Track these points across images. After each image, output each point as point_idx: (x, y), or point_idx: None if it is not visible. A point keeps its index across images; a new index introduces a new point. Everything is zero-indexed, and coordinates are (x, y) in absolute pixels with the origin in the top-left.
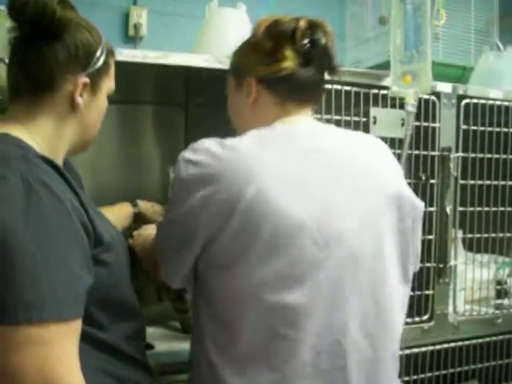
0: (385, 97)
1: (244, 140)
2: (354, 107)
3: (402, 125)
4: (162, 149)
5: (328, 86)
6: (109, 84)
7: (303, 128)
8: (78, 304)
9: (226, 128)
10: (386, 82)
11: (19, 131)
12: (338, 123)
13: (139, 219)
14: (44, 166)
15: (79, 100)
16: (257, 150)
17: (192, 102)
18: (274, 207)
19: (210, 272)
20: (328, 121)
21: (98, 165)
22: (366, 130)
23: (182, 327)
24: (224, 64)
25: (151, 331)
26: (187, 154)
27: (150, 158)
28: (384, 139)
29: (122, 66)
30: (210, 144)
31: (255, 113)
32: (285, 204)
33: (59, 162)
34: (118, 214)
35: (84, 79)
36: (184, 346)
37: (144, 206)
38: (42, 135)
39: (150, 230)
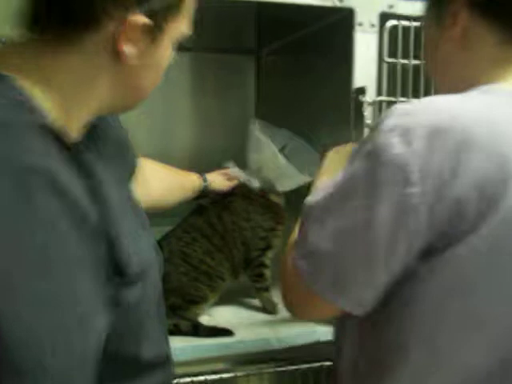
0: None
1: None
2: None
3: None
4: (231, 102)
5: None
6: (179, 28)
7: None
8: (88, 369)
9: (303, 78)
10: None
11: (26, 78)
12: None
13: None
14: (42, 141)
15: (125, 48)
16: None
17: (265, 50)
18: None
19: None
20: None
21: (164, 121)
22: None
23: (263, 307)
24: None
25: (229, 312)
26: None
27: (221, 113)
28: None
29: None
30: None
31: (463, 58)
32: None
33: (74, 126)
34: (180, 183)
35: (138, 18)
36: (268, 332)
37: (215, 181)
38: (58, 89)
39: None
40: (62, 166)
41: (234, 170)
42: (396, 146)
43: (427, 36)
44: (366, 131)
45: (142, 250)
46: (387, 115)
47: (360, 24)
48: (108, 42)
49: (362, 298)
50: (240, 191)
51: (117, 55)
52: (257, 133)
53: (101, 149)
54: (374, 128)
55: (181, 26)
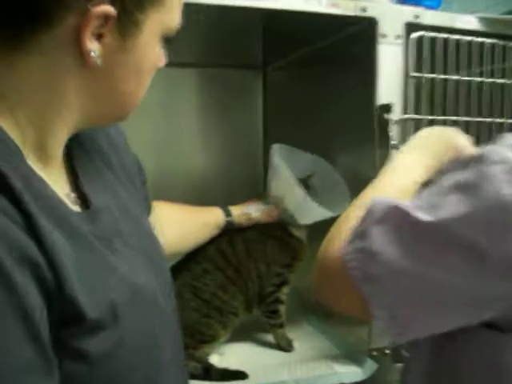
0: None
1: None
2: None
3: None
4: (238, 119)
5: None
6: (163, 20)
7: None
8: None
9: (317, 94)
10: None
11: None
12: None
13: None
14: None
15: (90, 46)
16: None
17: (271, 65)
18: None
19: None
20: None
21: (170, 139)
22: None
23: (277, 343)
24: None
25: (241, 350)
26: None
27: (227, 130)
28: None
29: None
30: None
31: None
32: None
33: (54, 147)
34: (203, 221)
35: (104, 8)
36: (285, 373)
37: (239, 215)
38: (24, 104)
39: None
40: None
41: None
42: None
43: None
44: (392, 152)
45: (114, 286)
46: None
47: (383, 35)
48: (70, 40)
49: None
50: (260, 229)
51: (82, 55)
52: (276, 159)
53: (99, 168)
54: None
55: (165, 18)
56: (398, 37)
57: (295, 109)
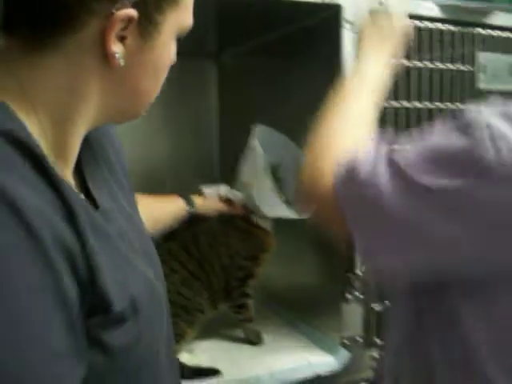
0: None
1: None
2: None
3: None
4: (193, 108)
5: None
6: (179, 20)
7: None
8: None
9: (277, 83)
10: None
11: (3, 96)
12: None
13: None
14: (15, 160)
15: (114, 48)
16: None
17: (227, 53)
18: None
19: None
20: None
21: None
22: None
23: (247, 337)
24: None
25: (210, 346)
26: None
27: (186, 120)
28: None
29: None
30: None
31: None
32: None
33: (73, 145)
34: (164, 209)
35: (127, 11)
36: (258, 367)
37: (203, 204)
38: (46, 104)
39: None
40: (28, 186)
41: (209, 192)
42: None
43: None
44: None
45: (133, 282)
46: None
47: (349, 22)
48: (93, 43)
49: None
50: (223, 219)
51: (105, 57)
52: (254, 142)
53: (101, 167)
54: None
55: (181, 18)
56: None
57: (254, 99)
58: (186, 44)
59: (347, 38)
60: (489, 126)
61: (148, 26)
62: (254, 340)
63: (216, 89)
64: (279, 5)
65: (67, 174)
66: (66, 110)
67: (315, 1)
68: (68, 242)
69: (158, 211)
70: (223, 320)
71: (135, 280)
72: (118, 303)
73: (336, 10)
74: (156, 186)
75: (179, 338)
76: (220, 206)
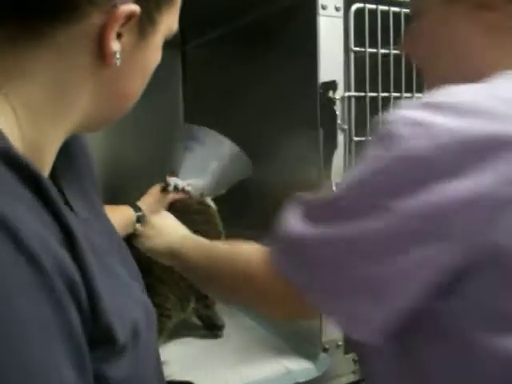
0: None
1: None
2: None
3: None
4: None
5: None
6: (170, 20)
7: None
8: None
9: (246, 73)
10: None
11: None
12: None
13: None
14: (11, 180)
15: (114, 46)
16: None
17: (190, 43)
18: None
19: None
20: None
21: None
22: None
23: (203, 324)
24: None
25: (183, 354)
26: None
27: (148, 115)
28: None
29: None
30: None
31: (490, 41)
32: None
33: (50, 151)
34: (119, 219)
35: (130, 6)
36: (233, 376)
37: (149, 205)
38: (27, 102)
39: (168, 220)
40: (26, 208)
41: (172, 179)
42: None
43: (433, 31)
44: (339, 132)
45: (131, 307)
46: None
47: (324, 7)
48: (89, 38)
49: None
50: (179, 207)
51: (100, 55)
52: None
53: (77, 175)
54: None
55: (172, 19)
56: (338, 9)
57: (220, 90)
58: None
59: (322, 22)
60: (404, 118)
61: (146, 25)
62: (210, 326)
63: (180, 80)
64: None
65: None
66: (48, 111)
67: None
68: (69, 271)
69: (118, 222)
70: (191, 325)
71: (132, 302)
72: (122, 332)
73: None
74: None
75: None
76: (169, 197)
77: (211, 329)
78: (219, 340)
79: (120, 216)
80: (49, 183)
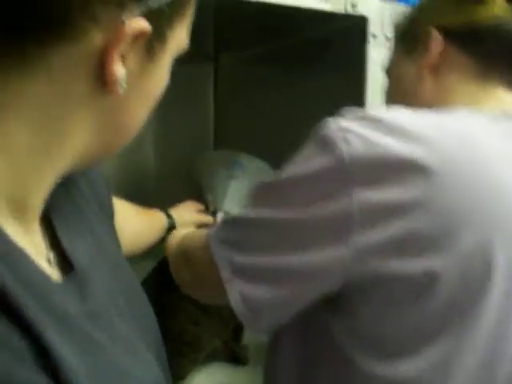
0: None
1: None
2: None
3: None
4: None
5: None
6: (182, 36)
7: None
8: None
9: (275, 93)
10: None
11: None
12: None
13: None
14: None
15: (118, 70)
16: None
17: (224, 56)
18: None
19: None
20: None
21: None
22: None
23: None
24: None
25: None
26: (359, 124)
27: (178, 128)
28: None
29: None
30: (403, 118)
31: (435, 87)
32: None
33: (37, 197)
34: (149, 223)
35: (139, 24)
36: None
37: (184, 216)
38: (8, 144)
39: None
40: None
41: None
42: None
43: (394, 69)
44: None
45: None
46: None
47: (374, 36)
48: (89, 61)
49: None
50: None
51: (100, 80)
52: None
53: (80, 212)
54: None
55: (183, 35)
56: (388, 39)
57: (254, 109)
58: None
59: (371, 51)
60: (343, 130)
61: (155, 43)
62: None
63: (212, 96)
64: (294, 9)
65: (29, 229)
66: (33, 154)
67: (339, 10)
68: None
69: (142, 225)
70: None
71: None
72: None
73: (361, 21)
74: (143, 197)
75: (178, 379)
76: (201, 217)
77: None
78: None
79: (151, 221)
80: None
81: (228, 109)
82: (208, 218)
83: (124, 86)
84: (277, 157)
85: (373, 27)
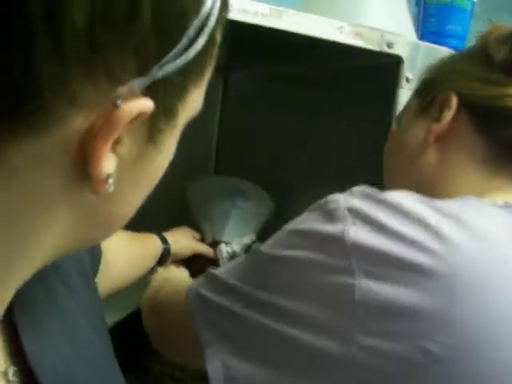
0: None
1: (488, 219)
2: None
3: None
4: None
5: None
6: (196, 102)
7: None
8: None
9: (290, 118)
10: None
11: None
12: None
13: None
14: None
15: (107, 166)
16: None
17: (235, 71)
18: None
19: None
20: None
21: None
22: None
23: None
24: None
25: None
26: (369, 208)
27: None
28: None
29: None
30: (421, 207)
31: (438, 161)
32: None
33: (7, 292)
34: (140, 251)
35: (139, 104)
36: None
37: (179, 242)
38: None
39: (177, 273)
40: None
41: (223, 246)
42: None
43: (400, 133)
44: None
45: None
46: None
47: (408, 79)
48: (67, 154)
49: None
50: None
51: (85, 176)
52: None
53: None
54: None
55: (198, 100)
56: None
57: (265, 132)
58: None
59: (403, 95)
60: (349, 210)
61: (162, 121)
62: None
63: (218, 111)
64: (326, 43)
65: None
66: (7, 261)
67: (374, 48)
68: None
69: (137, 252)
70: None
71: None
72: None
73: (395, 61)
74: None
75: None
76: (198, 246)
77: None
78: None
79: (144, 247)
80: None
81: (234, 125)
82: (205, 248)
83: (113, 186)
84: (277, 183)
85: (408, 70)
